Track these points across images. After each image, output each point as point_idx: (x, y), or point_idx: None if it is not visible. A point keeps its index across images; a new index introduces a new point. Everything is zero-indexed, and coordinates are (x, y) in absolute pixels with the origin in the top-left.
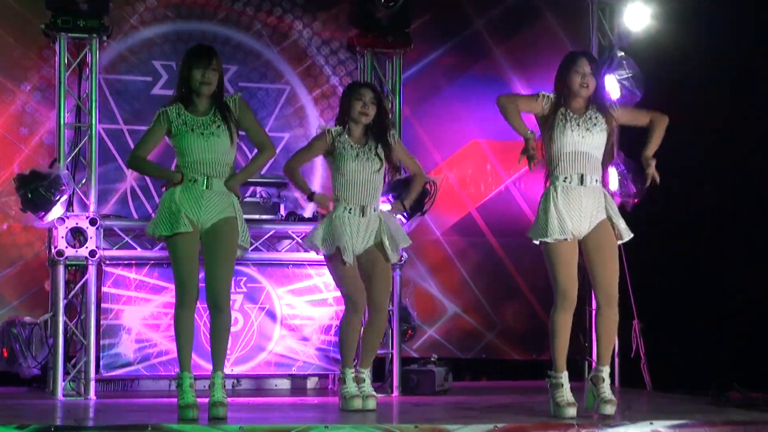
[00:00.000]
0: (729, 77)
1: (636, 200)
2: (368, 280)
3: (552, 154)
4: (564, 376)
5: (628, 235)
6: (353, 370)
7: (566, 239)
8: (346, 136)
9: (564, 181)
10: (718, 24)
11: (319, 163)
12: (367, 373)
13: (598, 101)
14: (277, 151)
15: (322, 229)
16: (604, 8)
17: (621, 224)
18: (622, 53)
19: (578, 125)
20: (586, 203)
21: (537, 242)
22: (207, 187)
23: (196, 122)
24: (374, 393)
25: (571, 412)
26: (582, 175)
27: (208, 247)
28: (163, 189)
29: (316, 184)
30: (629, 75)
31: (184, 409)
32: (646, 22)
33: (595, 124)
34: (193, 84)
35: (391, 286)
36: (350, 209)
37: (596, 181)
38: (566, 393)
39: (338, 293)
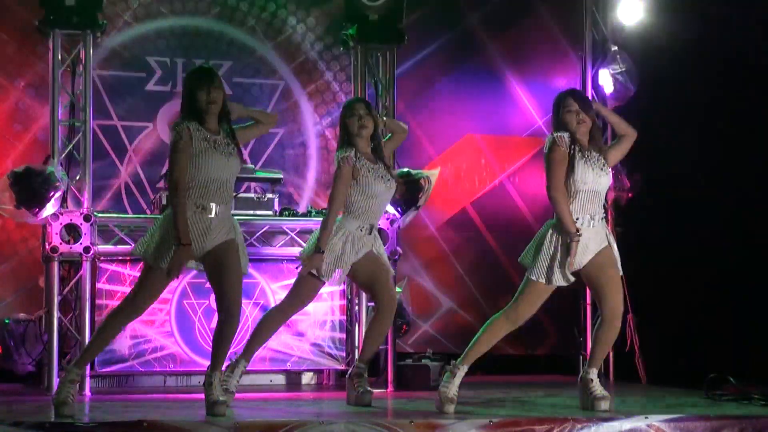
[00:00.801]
0: (724, 71)
1: (630, 194)
2: (376, 281)
3: (567, 190)
4: (465, 370)
5: (618, 271)
6: (247, 364)
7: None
8: (363, 159)
9: (576, 221)
10: (711, 18)
11: (314, 158)
12: (364, 369)
13: (597, 140)
14: (272, 146)
15: (328, 254)
16: (598, 2)
17: (618, 258)
18: (616, 47)
19: (595, 164)
20: (592, 241)
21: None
22: (215, 215)
23: (215, 141)
24: (370, 389)
25: (450, 409)
26: (592, 216)
27: (215, 267)
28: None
29: (311, 179)
30: (623, 69)
31: (62, 407)
32: (640, 16)
33: (604, 164)
34: (200, 105)
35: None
36: (361, 228)
37: (601, 219)
38: (454, 387)
39: (333, 288)
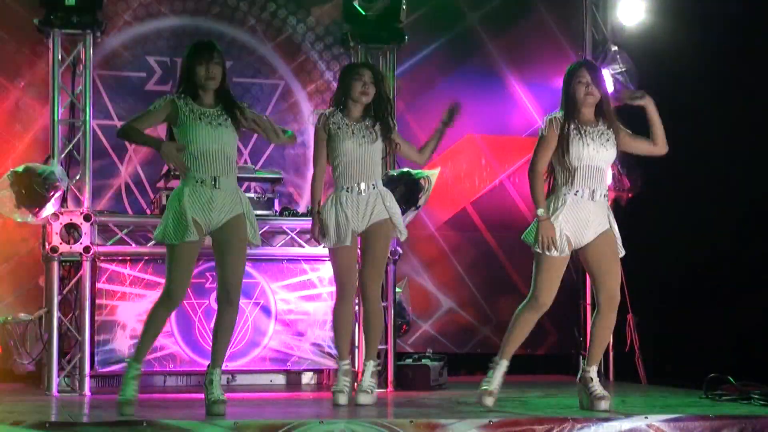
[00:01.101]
0: (723, 71)
1: (630, 194)
2: (365, 252)
3: (564, 167)
4: (504, 365)
5: (621, 251)
6: (347, 362)
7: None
8: (341, 116)
9: (575, 194)
10: (712, 18)
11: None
12: (369, 366)
13: (607, 115)
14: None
15: (324, 221)
16: (598, 3)
17: (619, 238)
18: (616, 47)
19: (593, 140)
20: (593, 218)
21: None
22: (216, 187)
23: (203, 113)
24: (368, 389)
25: (489, 402)
26: (593, 190)
27: (220, 245)
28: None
29: (311, 178)
30: (623, 69)
31: (124, 406)
32: (641, 16)
33: (608, 139)
34: (197, 80)
35: (383, 274)
36: (348, 188)
37: (604, 195)
38: (495, 381)
39: (333, 288)
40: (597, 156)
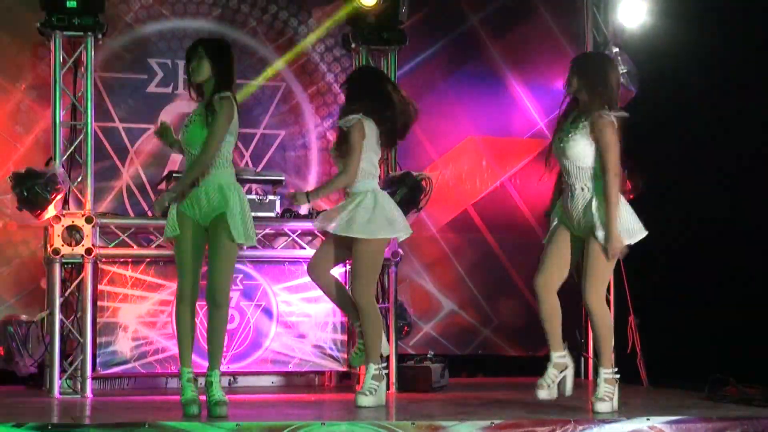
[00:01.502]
0: (724, 73)
1: (631, 196)
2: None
3: None
4: (554, 356)
5: (599, 238)
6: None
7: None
8: None
9: (563, 191)
10: (713, 20)
11: (315, 159)
12: (370, 369)
13: (588, 103)
14: (273, 148)
15: None
16: (599, 4)
17: (599, 234)
18: (617, 49)
19: (556, 136)
20: (574, 213)
21: None
22: (196, 185)
23: (189, 113)
24: (367, 392)
25: (539, 394)
26: (567, 187)
27: (209, 244)
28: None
29: (312, 180)
30: (624, 71)
31: (185, 407)
32: (642, 17)
33: (568, 133)
34: (188, 76)
35: (365, 278)
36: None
37: (581, 189)
38: (545, 375)
39: None
40: (559, 153)
